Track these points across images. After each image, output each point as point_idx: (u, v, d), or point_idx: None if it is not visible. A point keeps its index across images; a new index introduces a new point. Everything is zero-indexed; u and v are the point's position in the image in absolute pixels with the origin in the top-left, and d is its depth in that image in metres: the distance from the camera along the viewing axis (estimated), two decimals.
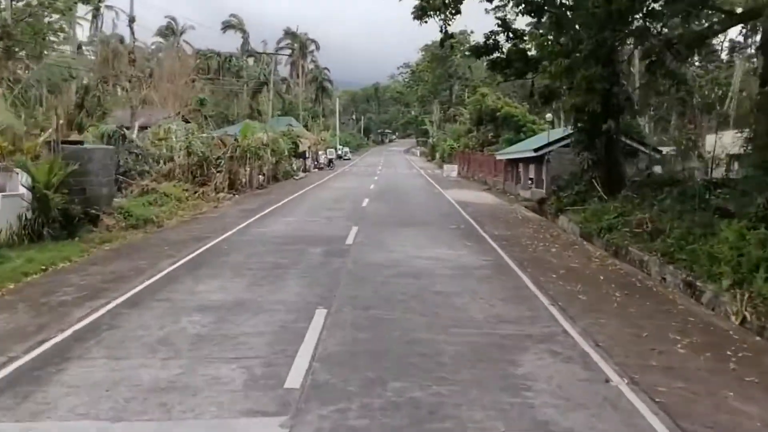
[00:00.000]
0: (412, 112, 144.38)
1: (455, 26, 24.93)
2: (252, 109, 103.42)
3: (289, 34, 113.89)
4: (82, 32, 65.57)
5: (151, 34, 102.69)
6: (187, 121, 49.97)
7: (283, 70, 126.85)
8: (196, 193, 26.86)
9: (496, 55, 23.36)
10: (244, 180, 33.69)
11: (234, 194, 30.38)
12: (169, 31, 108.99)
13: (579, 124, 21.69)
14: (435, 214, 24.66)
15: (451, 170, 46.34)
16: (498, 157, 37.11)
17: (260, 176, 38.36)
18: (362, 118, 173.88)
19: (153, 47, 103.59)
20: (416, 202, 29.86)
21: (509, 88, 50.23)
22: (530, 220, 22.95)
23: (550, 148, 28.06)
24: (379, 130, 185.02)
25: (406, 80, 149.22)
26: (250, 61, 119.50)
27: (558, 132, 32.33)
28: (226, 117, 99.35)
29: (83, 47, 66.45)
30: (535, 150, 29.33)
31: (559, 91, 22.62)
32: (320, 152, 60.09)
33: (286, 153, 43.39)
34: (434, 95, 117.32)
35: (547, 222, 22.10)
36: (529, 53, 23.21)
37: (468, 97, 78.96)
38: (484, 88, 56.80)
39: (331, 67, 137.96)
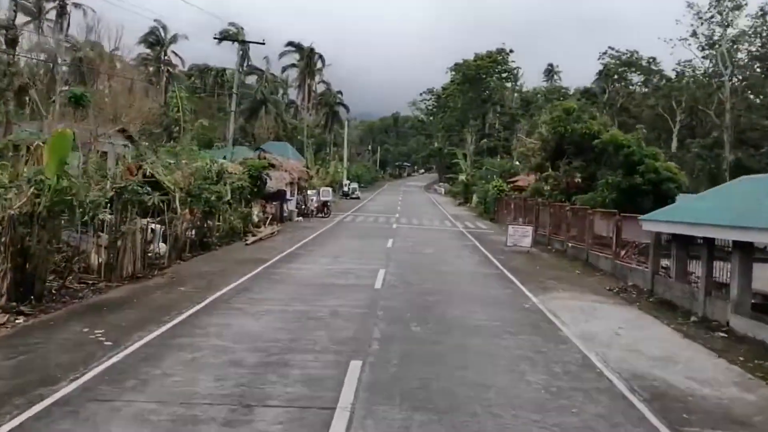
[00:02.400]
0: (435, 144, 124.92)
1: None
2: (246, 132, 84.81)
3: (293, 46, 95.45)
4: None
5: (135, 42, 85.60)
6: (131, 139, 35.59)
7: (294, 94, 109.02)
8: None
9: None
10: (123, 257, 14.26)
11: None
12: (155, 39, 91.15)
13: None
14: None
15: (522, 235, 26.08)
16: (649, 227, 16.88)
17: (160, 245, 18.91)
18: (378, 149, 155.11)
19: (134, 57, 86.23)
20: (503, 366, 9.79)
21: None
22: None
23: None
24: (396, 163, 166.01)
25: (430, 107, 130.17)
26: (251, 79, 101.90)
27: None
28: (211, 141, 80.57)
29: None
30: None
31: None
32: (310, 192, 40.37)
33: (228, 196, 23.61)
34: (463, 124, 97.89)
35: None
36: None
37: (522, 120, 59.60)
38: (568, 102, 37.14)
39: (348, 99, 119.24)
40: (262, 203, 31.62)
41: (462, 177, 69.23)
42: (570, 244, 26.48)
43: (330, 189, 41.62)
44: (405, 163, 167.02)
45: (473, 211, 52.81)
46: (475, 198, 55.40)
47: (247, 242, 24.54)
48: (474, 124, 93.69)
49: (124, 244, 16.20)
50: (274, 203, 33.61)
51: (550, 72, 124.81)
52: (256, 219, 28.51)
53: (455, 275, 19.01)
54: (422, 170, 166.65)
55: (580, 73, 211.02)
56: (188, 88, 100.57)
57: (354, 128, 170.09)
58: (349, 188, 67.17)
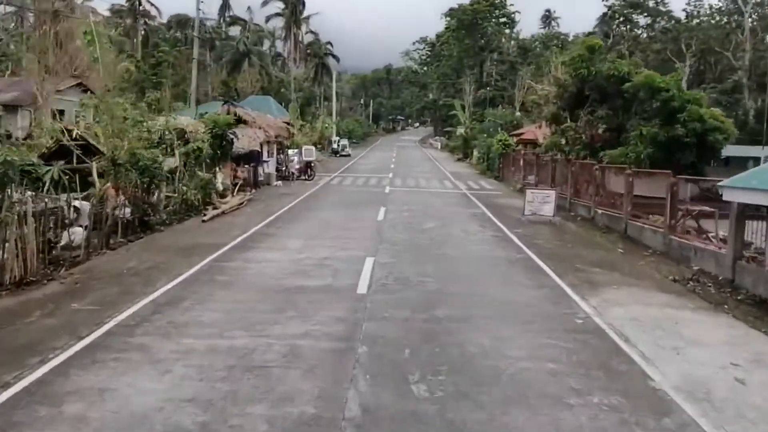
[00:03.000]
0: (430, 96, 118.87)
1: None
2: (228, 86, 78.93)
3: None
4: None
5: None
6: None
7: (281, 47, 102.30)
8: None
9: None
10: None
11: None
12: None
13: None
14: None
15: (542, 201, 21.26)
16: (737, 196, 12.18)
17: (76, 232, 14.11)
18: (371, 103, 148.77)
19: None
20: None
21: None
22: None
23: None
24: (390, 117, 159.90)
25: (423, 57, 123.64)
26: (234, 30, 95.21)
27: None
28: (186, 97, 74.83)
29: None
30: None
31: None
32: (291, 152, 35.22)
33: (176, 162, 18.73)
34: (459, 74, 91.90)
35: None
36: None
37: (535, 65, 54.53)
38: (592, 38, 32.01)
39: (339, 52, 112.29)
40: (231, 167, 26.68)
41: (460, 130, 63.95)
42: (599, 211, 21.74)
43: (313, 148, 36.50)
44: (399, 117, 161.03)
45: (474, 168, 47.84)
46: (475, 153, 50.37)
47: (205, 218, 19.70)
48: (471, 73, 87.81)
49: (2, 236, 11.41)
50: (246, 166, 28.66)
51: (547, 18, 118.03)
52: (221, 187, 23.60)
53: (468, 265, 14.24)
54: (417, 124, 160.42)
55: (579, 19, 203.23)
56: (169, 41, 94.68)
57: (346, 82, 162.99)
58: (338, 145, 61.88)
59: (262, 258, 14.17)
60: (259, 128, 30.05)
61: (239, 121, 28.78)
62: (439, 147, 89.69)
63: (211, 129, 24.10)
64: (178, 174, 21.63)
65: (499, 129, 42.19)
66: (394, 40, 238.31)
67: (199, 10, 38.63)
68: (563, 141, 26.65)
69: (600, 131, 25.85)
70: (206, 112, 28.77)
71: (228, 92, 75.84)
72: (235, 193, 24.79)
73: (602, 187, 22.04)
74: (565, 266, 14.19)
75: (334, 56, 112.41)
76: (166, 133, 19.95)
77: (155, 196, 18.46)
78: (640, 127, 23.39)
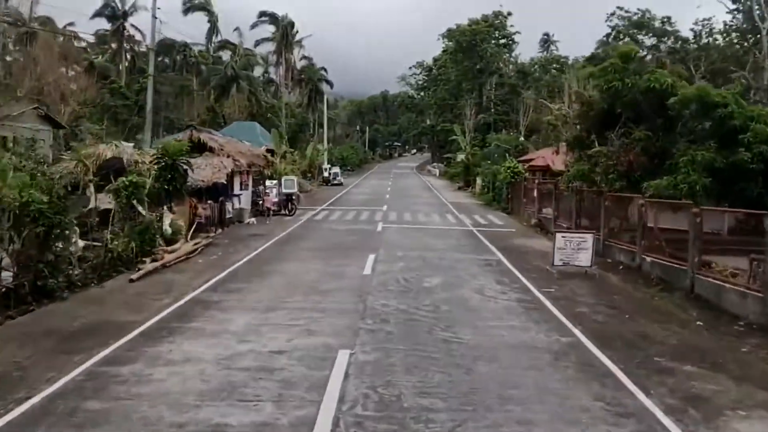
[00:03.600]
0: (428, 121, 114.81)
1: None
2: (215, 113, 74.77)
3: (267, 15, 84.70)
4: None
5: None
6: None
7: (273, 72, 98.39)
8: None
9: None
10: None
11: None
12: (110, 11, 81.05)
13: None
14: None
15: (577, 247, 16.35)
16: None
17: None
18: (367, 129, 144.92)
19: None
20: None
21: None
22: None
23: None
24: (386, 143, 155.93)
25: (420, 82, 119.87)
26: (225, 55, 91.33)
27: None
28: (172, 123, 70.42)
29: None
30: None
31: None
32: (269, 183, 30.32)
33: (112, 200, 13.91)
34: (457, 97, 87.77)
35: None
36: None
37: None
38: (627, 45, 27.45)
39: (336, 79, 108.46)
40: (190, 203, 21.81)
41: (460, 157, 59.34)
42: (648, 258, 16.88)
43: (294, 178, 31.61)
44: (396, 143, 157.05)
45: (478, 199, 43.06)
46: (478, 182, 45.67)
47: (133, 277, 14.76)
48: (470, 97, 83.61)
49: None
50: (209, 202, 23.84)
51: (546, 42, 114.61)
52: (169, 230, 18.71)
53: (494, 366, 9.16)
54: (414, 150, 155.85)
55: (578, 43, 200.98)
56: (156, 66, 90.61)
57: (342, 108, 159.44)
58: (329, 173, 57.17)
59: (180, 356, 9.20)
60: (228, 156, 25.26)
61: (202, 148, 24.04)
62: (438, 174, 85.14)
63: (159, 158, 19.29)
64: (111, 217, 16.86)
65: (507, 155, 37.47)
66: (392, 66, 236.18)
67: (155, 18, 34.18)
68: (591, 168, 21.83)
69: (637, 156, 21.07)
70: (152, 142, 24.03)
71: (214, 119, 71.72)
72: (189, 237, 19.90)
73: (650, 228, 17.21)
74: (640, 362, 9.28)
75: (327, 81, 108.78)
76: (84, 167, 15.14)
77: (62, 249, 13.54)
78: (691, 152, 18.69)
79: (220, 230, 23.67)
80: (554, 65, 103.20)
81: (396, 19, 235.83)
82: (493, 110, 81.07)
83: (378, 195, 45.63)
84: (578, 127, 23.98)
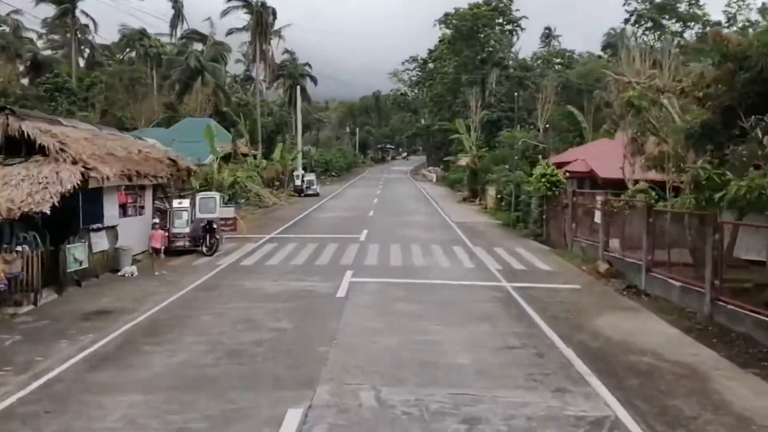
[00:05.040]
0: (422, 121, 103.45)
1: None
2: (174, 109, 63.23)
3: (240, 0, 73.07)
4: None
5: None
6: None
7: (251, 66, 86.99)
8: None
9: None
10: None
11: None
12: None
13: None
14: None
15: None
16: None
17: None
18: (357, 131, 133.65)
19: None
20: None
21: None
22: None
23: None
24: (378, 145, 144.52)
25: (414, 78, 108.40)
26: (198, 46, 79.74)
27: None
28: (122, 122, 58.66)
29: None
30: None
31: None
32: (179, 204, 19.01)
33: None
34: (455, 93, 76.54)
35: None
36: None
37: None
38: None
39: (327, 81, 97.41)
40: None
41: (464, 160, 47.93)
42: None
43: (216, 196, 19.96)
44: (388, 146, 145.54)
45: (493, 216, 31.61)
46: (490, 192, 34.32)
47: None
48: (472, 89, 72.20)
49: None
50: (21, 247, 12.54)
51: (548, 36, 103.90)
52: None
53: None
54: (405, 153, 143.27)
55: (581, 36, 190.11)
56: (123, 61, 79.08)
57: (333, 110, 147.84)
58: (302, 181, 45.71)
59: None
60: (75, 162, 13.89)
61: (31, 147, 12.70)
62: (435, 180, 73.76)
63: None
64: None
65: (540, 158, 25.96)
66: (384, 67, 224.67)
67: None
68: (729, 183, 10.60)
69: None
70: None
71: (173, 117, 60.22)
72: None
73: None
74: None
75: (311, 77, 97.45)
76: None
77: None
78: None
79: (50, 296, 12.36)
80: (558, 60, 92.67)
81: (392, 24, 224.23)
82: (497, 106, 69.88)
83: (360, 211, 34.22)
84: (709, 105, 12.70)
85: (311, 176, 47.21)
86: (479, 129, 46.79)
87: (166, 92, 69.11)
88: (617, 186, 26.36)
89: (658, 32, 71.30)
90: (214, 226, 19.13)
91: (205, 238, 18.96)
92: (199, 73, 66.66)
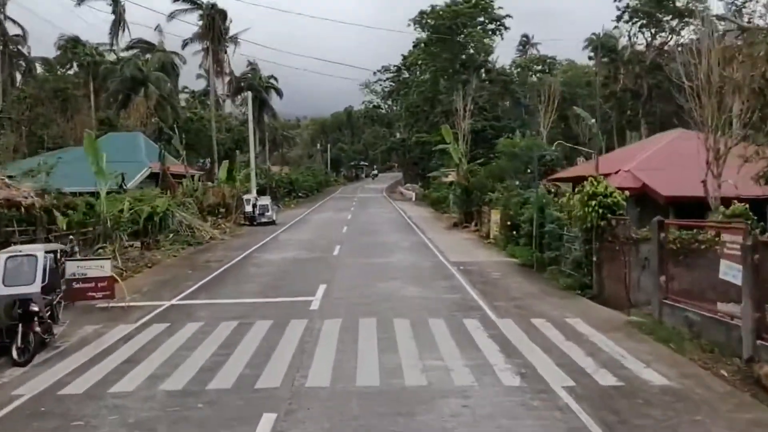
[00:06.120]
0: (398, 135, 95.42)
1: None
2: (110, 125, 53.90)
3: (187, 1, 64.28)
4: None
5: None
6: None
7: (203, 77, 78.31)
8: None
9: None
10: None
11: None
12: None
13: None
14: None
15: None
16: None
17: None
18: (329, 148, 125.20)
19: None
20: None
21: None
22: None
23: None
24: (352, 163, 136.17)
25: (387, 90, 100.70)
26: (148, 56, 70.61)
27: None
28: (42, 141, 49.27)
29: None
30: None
31: None
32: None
33: None
34: (432, 103, 68.60)
35: None
36: None
37: None
38: None
39: (299, 100, 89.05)
40: None
41: (451, 176, 39.52)
42: None
43: (54, 247, 11.03)
44: (362, 162, 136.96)
45: (504, 252, 22.81)
46: (494, 218, 25.83)
47: None
48: (448, 100, 64.18)
49: None
50: None
51: (525, 44, 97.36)
52: None
53: None
54: (375, 171, 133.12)
55: (558, 44, 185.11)
56: (63, 75, 69.69)
57: (305, 128, 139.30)
58: (254, 207, 36.80)
59: None
60: None
61: None
62: (413, 198, 65.35)
63: None
64: None
65: (594, 181, 17.07)
66: (357, 83, 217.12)
67: None
68: None
69: None
70: None
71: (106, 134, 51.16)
72: None
73: None
74: None
75: (276, 90, 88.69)
76: None
77: None
78: None
79: None
80: (539, 67, 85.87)
81: (366, 38, 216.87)
82: (479, 115, 61.84)
83: (321, 248, 25.31)
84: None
85: (265, 200, 38.29)
86: (468, 138, 38.50)
87: (104, 106, 59.96)
88: (687, 207, 18.49)
89: (655, 29, 64.61)
90: (33, 309, 10.28)
91: (15, 333, 10.11)
92: (142, 84, 57.73)
